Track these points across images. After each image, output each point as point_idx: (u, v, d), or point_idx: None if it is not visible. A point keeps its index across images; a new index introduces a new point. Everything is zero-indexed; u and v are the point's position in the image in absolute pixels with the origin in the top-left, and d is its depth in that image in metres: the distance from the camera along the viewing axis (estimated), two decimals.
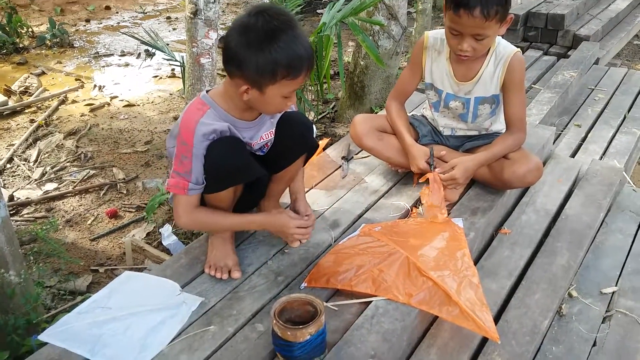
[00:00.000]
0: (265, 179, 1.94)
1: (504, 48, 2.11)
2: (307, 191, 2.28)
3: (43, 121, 4.09)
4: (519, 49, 2.14)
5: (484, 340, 1.70)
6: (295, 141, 1.91)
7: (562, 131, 3.38)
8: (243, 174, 1.79)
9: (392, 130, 2.32)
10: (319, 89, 3.55)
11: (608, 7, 5.52)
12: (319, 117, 4.13)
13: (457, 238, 1.92)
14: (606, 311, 1.90)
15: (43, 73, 5.07)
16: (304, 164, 2.05)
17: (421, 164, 2.15)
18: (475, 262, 2.01)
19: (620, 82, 4.02)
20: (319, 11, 6.67)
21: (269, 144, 1.90)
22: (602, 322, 1.85)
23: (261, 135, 1.84)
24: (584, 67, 4.10)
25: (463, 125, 2.31)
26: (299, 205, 2.05)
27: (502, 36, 2.15)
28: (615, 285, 2.01)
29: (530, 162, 2.13)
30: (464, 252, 1.84)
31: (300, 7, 3.88)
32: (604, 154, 3.13)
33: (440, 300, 1.66)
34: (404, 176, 2.38)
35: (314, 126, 1.98)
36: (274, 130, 1.88)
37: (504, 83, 2.13)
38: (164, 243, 2.63)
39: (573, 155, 3.11)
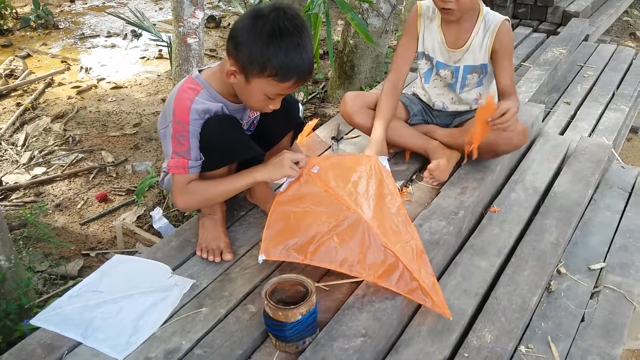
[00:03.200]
0: (260, 159, 1.91)
1: (492, 16, 2.17)
2: None
3: (30, 104, 4.04)
4: (506, 17, 2.18)
5: (474, 318, 1.72)
6: (280, 120, 1.89)
7: (551, 109, 3.39)
8: (239, 152, 1.79)
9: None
10: None
11: None
12: (309, 97, 4.11)
13: (388, 183, 1.86)
14: (594, 287, 1.92)
15: (28, 55, 5.00)
16: (292, 143, 2.04)
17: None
18: (465, 240, 2.03)
19: (610, 59, 4.02)
20: None
21: (255, 122, 1.89)
22: (590, 298, 1.87)
23: (248, 114, 1.85)
24: (573, 44, 4.09)
25: (453, 96, 2.33)
26: None
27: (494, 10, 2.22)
28: (604, 262, 2.03)
29: (517, 125, 2.14)
30: (399, 205, 1.81)
31: None
32: (592, 131, 3.14)
33: (398, 275, 1.64)
34: (394, 155, 2.39)
35: (299, 104, 1.97)
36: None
37: (494, 51, 2.17)
38: (155, 226, 2.62)
39: (562, 132, 3.11)
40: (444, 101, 2.37)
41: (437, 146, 2.29)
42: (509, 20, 2.18)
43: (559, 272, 1.98)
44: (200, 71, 1.77)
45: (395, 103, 2.32)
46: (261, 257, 1.69)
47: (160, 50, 5.01)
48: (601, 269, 1.99)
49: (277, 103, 1.69)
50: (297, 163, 1.76)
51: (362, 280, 1.70)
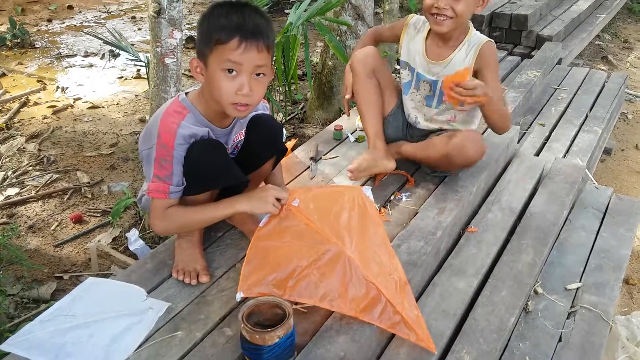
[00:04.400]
0: (243, 185, 1.88)
1: (477, 38, 2.20)
2: None
3: (4, 124, 3.98)
4: (491, 40, 2.21)
5: (452, 339, 1.72)
6: (264, 145, 1.89)
7: (526, 130, 3.44)
8: (224, 177, 1.77)
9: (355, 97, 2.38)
10: (287, 89, 3.54)
11: (570, 8, 5.63)
12: (288, 117, 4.12)
13: (372, 215, 1.84)
14: (571, 307, 1.93)
15: (3, 74, 4.94)
16: (274, 167, 2.03)
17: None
18: (443, 261, 2.04)
19: (582, 82, 4.11)
20: (286, 11, 6.64)
21: (239, 146, 1.88)
22: (567, 318, 1.88)
23: (233, 138, 1.84)
24: (547, 67, 4.18)
25: (427, 112, 2.35)
26: None
27: None
28: (580, 282, 2.05)
29: (470, 133, 2.20)
30: (383, 236, 1.80)
31: (267, 6, 3.87)
32: (567, 152, 3.19)
33: (381, 309, 1.61)
34: (374, 177, 2.39)
35: (283, 129, 1.96)
36: (244, 132, 1.87)
37: (477, 70, 2.19)
38: (131, 248, 2.58)
39: (537, 153, 3.16)
40: (417, 116, 2.39)
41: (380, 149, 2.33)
42: (492, 42, 2.20)
43: (535, 292, 1.99)
44: (186, 94, 1.76)
45: (375, 83, 2.35)
46: (239, 295, 1.65)
47: (139, 70, 4.99)
48: (577, 288, 2.01)
49: (244, 81, 1.59)
50: (279, 200, 1.75)
51: None
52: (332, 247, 1.66)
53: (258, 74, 1.63)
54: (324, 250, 1.66)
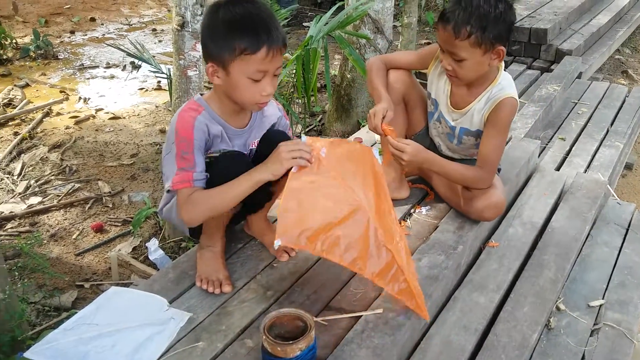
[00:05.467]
0: (265, 199, 1.90)
1: (500, 90, 2.05)
2: None
3: (27, 134, 4.05)
4: (513, 96, 2.05)
5: (474, 354, 1.71)
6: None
7: (546, 144, 3.42)
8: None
9: (368, 85, 2.25)
10: (306, 101, 3.56)
11: (590, 22, 5.60)
12: (306, 130, 4.13)
13: (381, 179, 1.80)
14: (594, 324, 1.91)
15: (27, 85, 5.02)
16: None
17: (376, 122, 2.03)
18: (464, 276, 2.03)
19: (603, 96, 4.08)
20: (305, 24, 6.69)
21: (252, 153, 1.89)
22: (590, 336, 1.86)
23: (250, 143, 1.85)
24: (567, 81, 4.16)
25: (449, 144, 2.28)
26: None
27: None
28: (602, 298, 2.02)
29: (491, 197, 2.09)
30: (390, 202, 1.77)
31: (287, 20, 3.91)
32: (588, 167, 3.17)
33: (392, 275, 1.63)
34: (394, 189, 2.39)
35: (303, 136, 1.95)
36: (256, 142, 1.88)
37: (487, 120, 2.08)
38: (151, 258, 2.61)
39: (558, 168, 3.14)
40: (441, 144, 2.33)
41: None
42: (512, 98, 2.04)
43: (558, 308, 1.97)
44: (201, 94, 1.79)
45: (386, 79, 2.24)
46: (277, 242, 1.57)
47: (159, 82, 5.05)
48: (600, 305, 1.99)
49: (267, 86, 1.64)
50: (296, 152, 1.65)
51: (361, 316, 1.69)
52: (358, 208, 1.63)
53: (276, 74, 1.67)
54: (351, 209, 1.63)
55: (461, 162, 2.19)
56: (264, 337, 1.48)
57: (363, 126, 3.62)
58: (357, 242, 1.62)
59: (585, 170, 3.12)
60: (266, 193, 1.87)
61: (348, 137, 3.03)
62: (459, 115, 2.15)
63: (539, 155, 3.15)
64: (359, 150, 1.85)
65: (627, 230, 2.44)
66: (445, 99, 2.18)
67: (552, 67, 4.81)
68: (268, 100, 1.70)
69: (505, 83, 2.07)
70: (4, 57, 5.52)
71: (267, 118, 1.88)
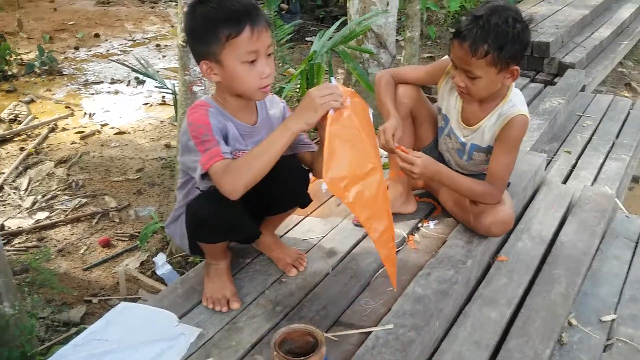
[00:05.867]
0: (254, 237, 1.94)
1: (511, 107, 2.03)
2: (303, 219, 2.27)
3: (33, 149, 4.06)
4: (524, 113, 2.02)
5: None
6: (287, 195, 1.84)
7: (552, 157, 3.42)
8: (234, 232, 1.80)
9: (377, 100, 2.22)
10: None
11: (592, 35, 5.63)
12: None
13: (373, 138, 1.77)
14: (607, 339, 1.90)
15: (32, 101, 5.05)
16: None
17: (386, 136, 2.01)
18: (474, 290, 2.02)
19: (607, 109, 4.09)
20: (307, 39, 6.73)
21: None
22: (603, 351, 1.84)
23: (262, 136, 1.77)
24: (570, 94, 4.17)
25: (458, 160, 2.27)
26: None
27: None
28: (614, 313, 2.01)
29: (498, 213, 2.07)
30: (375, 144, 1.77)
31: (290, 35, 3.93)
32: (594, 180, 3.17)
33: (385, 238, 1.63)
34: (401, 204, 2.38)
35: (310, 175, 1.88)
36: None
37: (498, 136, 2.07)
38: (158, 272, 2.60)
39: (564, 181, 3.14)
40: (450, 159, 2.31)
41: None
42: (523, 116, 2.02)
43: (570, 323, 1.96)
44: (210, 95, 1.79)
45: (410, 123, 2.25)
46: (324, 186, 1.53)
47: (164, 97, 5.07)
48: (612, 320, 1.98)
49: (264, 67, 1.61)
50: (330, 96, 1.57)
51: (372, 332, 1.68)
52: (376, 168, 1.62)
53: (269, 54, 1.65)
54: (371, 167, 1.61)
55: (471, 177, 2.18)
56: (275, 353, 1.47)
57: None
58: (371, 201, 1.60)
59: (592, 183, 3.11)
60: (293, 195, 1.85)
61: None
62: (470, 131, 2.14)
63: (545, 169, 3.15)
64: (362, 104, 1.77)
65: (637, 243, 2.43)
66: (456, 115, 2.17)
67: (555, 80, 4.83)
68: (269, 82, 1.66)
69: (517, 100, 2.06)
70: (9, 73, 5.55)
71: (274, 116, 1.85)
